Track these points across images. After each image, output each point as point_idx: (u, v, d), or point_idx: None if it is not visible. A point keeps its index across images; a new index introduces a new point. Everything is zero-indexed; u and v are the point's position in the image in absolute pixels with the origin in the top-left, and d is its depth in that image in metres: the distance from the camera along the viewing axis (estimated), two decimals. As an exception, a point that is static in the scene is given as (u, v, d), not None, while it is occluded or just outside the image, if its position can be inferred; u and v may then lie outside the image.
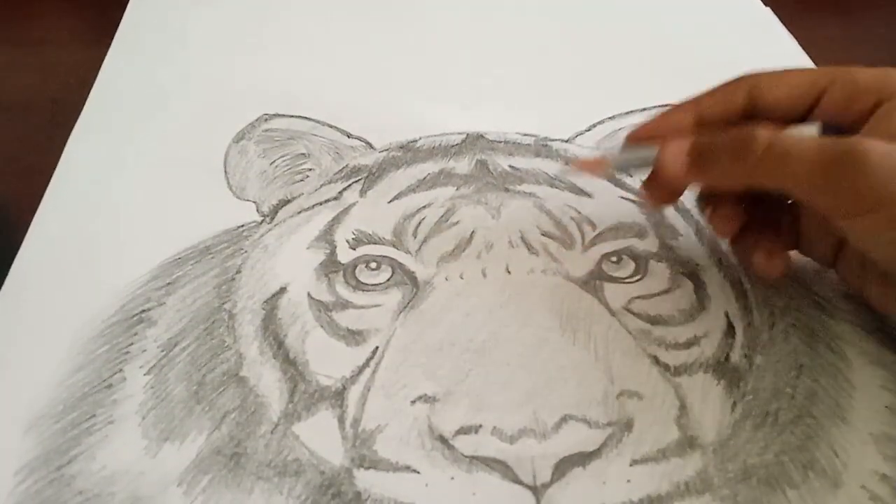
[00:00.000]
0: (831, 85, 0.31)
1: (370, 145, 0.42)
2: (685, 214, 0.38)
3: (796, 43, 0.52)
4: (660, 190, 0.34)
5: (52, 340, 0.33)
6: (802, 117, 0.32)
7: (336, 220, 0.38)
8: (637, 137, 0.35)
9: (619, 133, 0.43)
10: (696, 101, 0.34)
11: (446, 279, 0.35)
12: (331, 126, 0.44)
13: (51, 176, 0.41)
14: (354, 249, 0.36)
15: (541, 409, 0.30)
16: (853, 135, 0.30)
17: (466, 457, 0.29)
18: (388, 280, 0.35)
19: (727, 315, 0.34)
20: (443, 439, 0.29)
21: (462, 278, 0.35)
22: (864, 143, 0.28)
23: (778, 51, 0.51)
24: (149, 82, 0.48)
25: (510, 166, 0.41)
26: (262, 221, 0.38)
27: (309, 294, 0.35)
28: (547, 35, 0.53)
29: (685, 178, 0.33)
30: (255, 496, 0.28)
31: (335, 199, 0.39)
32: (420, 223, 0.37)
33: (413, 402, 0.31)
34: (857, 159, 0.28)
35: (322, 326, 0.33)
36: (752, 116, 0.33)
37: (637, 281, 0.35)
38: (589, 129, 0.44)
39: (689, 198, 0.37)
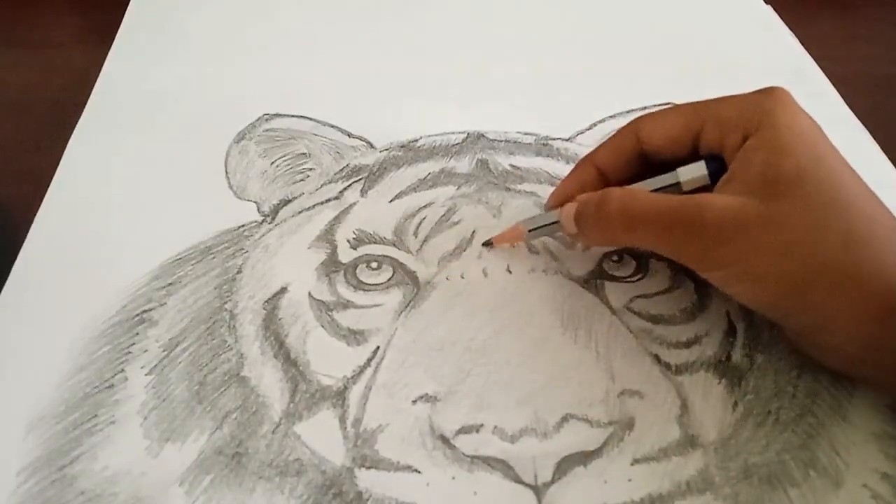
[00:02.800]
0: (704, 125, 0.32)
1: (371, 145, 0.42)
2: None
3: (797, 41, 0.52)
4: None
5: (54, 341, 0.33)
6: (690, 153, 0.33)
7: (337, 220, 0.38)
8: (551, 205, 0.36)
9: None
10: (594, 155, 0.35)
11: (447, 279, 0.35)
12: (331, 126, 0.44)
13: (52, 176, 0.41)
14: (355, 249, 0.36)
15: (542, 409, 0.30)
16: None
17: (468, 456, 0.29)
18: (389, 280, 0.35)
19: (728, 314, 0.34)
20: (444, 439, 0.29)
21: (463, 278, 0.35)
22: (704, 204, 0.29)
23: (779, 49, 0.51)
24: (149, 83, 0.48)
25: (511, 165, 0.41)
26: (262, 221, 0.38)
27: (310, 294, 0.35)
28: (547, 34, 0.53)
29: (581, 241, 0.35)
30: (256, 496, 0.28)
31: (336, 198, 0.39)
32: (421, 223, 0.37)
33: (414, 401, 0.31)
34: (696, 222, 0.29)
35: (323, 326, 0.33)
36: (646, 158, 0.34)
37: (638, 280, 0.35)
38: (590, 128, 0.44)
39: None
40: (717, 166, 0.32)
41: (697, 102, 0.33)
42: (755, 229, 0.28)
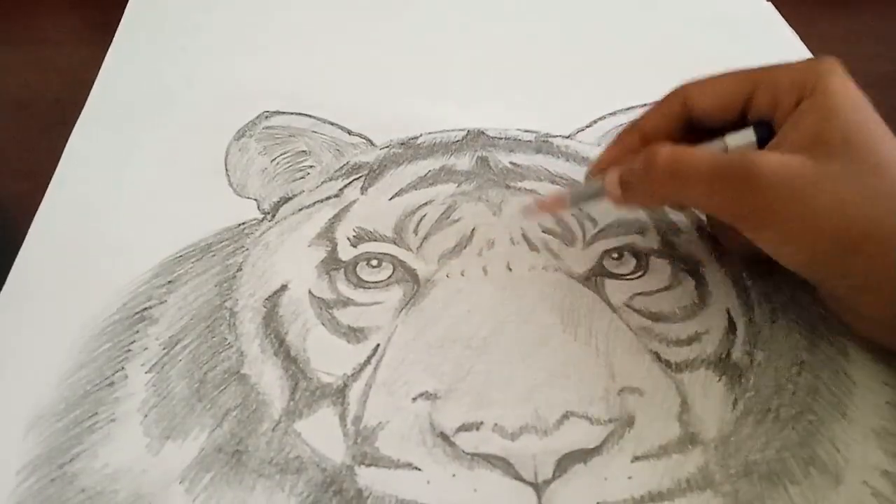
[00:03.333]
0: (756, 88, 0.32)
1: (371, 142, 0.42)
2: (686, 211, 0.38)
3: (797, 38, 0.52)
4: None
5: (54, 339, 0.33)
6: (739, 119, 0.33)
7: (337, 218, 0.38)
8: (594, 171, 0.36)
9: (620, 129, 0.43)
10: (639, 122, 0.35)
11: (447, 276, 0.35)
12: (331, 123, 0.44)
13: (52, 175, 0.41)
14: (355, 247, 0.36)
15: (542, 406, 0.30)
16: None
17: (468, 454, 0.29)
18: (390, 277, 0.35)
19: (728, 311, 0.34)
20: (444, 436, 0.29)
21: (463, 275, 0.35)
22: (756, 159, 0.29)
23: (779, 46, 0.51)
24: (149, 81, 0.48)
25: (511, 163, 0.41)
26: (263, 219, 0.38)
27: (310, 291, 0.35)
28: (547, 31, 0.53)
29: (626, 203, 0.34)
30: (256, 494, 0.28)
31: (336, 196, 0.39)
32: (421, 220, 0.37)
33: (414, 399, 0.31)
34: (748, 177, 0.28)
35: (323, 324, 0.33)
36: (692, 125, 0.34)
37: (638, 277, 0.35)
38: (590, 125, 0.44)
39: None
40: (765, 133, 0.31)
41: (748, 69, 0.33)
42: (810, 187, 0.28)
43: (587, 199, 0.35)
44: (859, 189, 0.28)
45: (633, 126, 0.35)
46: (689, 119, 0.34)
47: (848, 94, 0.30)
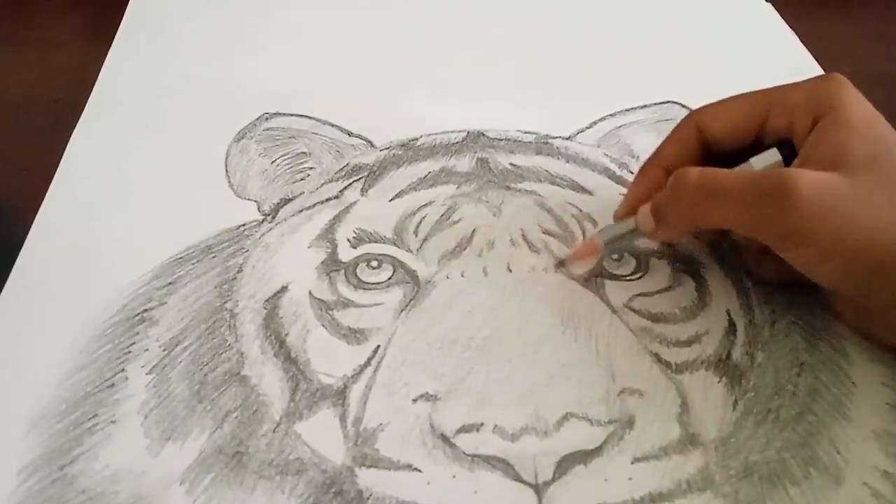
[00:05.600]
0: (770, 109, 0.32)
1: (371, 143, 0.42)
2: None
3: (797, 39, 0.52)
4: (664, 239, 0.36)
5: (55, 340, 0.33)
6: (752, 143, 0.33)
7: (337, 219, 0.38)
8: (621, 214, 0.36)
9: (621, 130, 0.43)
10: (658, 154, 0.35)
11: (447, 277, 0.35)
12: (331, 125, 0.44)
13: (52, 176, 0.41)
14: (355, 248, 0.36)
15: (542, 407, 0.30)
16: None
17: (468, 455, 0.29)
18: (390, 279, 0.35)
19: (728, 312, 0.34)
20: (444, 438, 0.29)
21: (463, 277, 0.35)
22: (793, 176, 0.28)
23: (779, 46, 0.51)
24: (150, 82, 0.48)
25: (511, 164, 0.41)
26: (263, 220, 0.38)
27: (310, 293, 0.35)
28: (547, 32, 0.53)
29: (660, 237, 0.34)
30: (257, 495, 0.28)
31: (336, 197, 0.39)
32: (421, 221, 0.37)
33: (415, 400, 0.31)
34: (786, 193, 0.28)
35: (323, 325, 0.33)
36: (707, 153, 0.34)
37: (638, 278, 0.35)
38: (590, 126, 0.44)
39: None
40: (788, 152, 0.31)
41: (759, 90, 0.33)
42: (844, 203, 0.28)
43: (620, 240, 0.35)
44: (891, 203, 0.28)
45: (652, 160, 0.35)
46: (704, 145, 0.33)
47: (864, 110, 0.30)
